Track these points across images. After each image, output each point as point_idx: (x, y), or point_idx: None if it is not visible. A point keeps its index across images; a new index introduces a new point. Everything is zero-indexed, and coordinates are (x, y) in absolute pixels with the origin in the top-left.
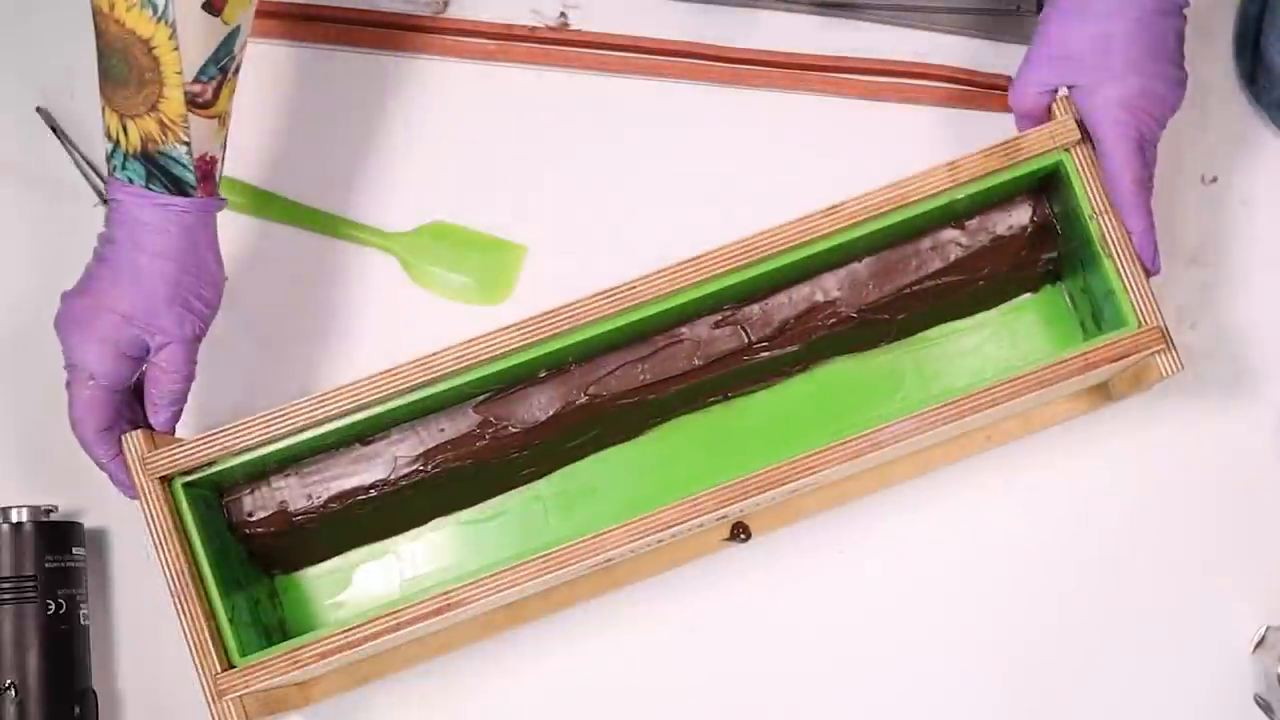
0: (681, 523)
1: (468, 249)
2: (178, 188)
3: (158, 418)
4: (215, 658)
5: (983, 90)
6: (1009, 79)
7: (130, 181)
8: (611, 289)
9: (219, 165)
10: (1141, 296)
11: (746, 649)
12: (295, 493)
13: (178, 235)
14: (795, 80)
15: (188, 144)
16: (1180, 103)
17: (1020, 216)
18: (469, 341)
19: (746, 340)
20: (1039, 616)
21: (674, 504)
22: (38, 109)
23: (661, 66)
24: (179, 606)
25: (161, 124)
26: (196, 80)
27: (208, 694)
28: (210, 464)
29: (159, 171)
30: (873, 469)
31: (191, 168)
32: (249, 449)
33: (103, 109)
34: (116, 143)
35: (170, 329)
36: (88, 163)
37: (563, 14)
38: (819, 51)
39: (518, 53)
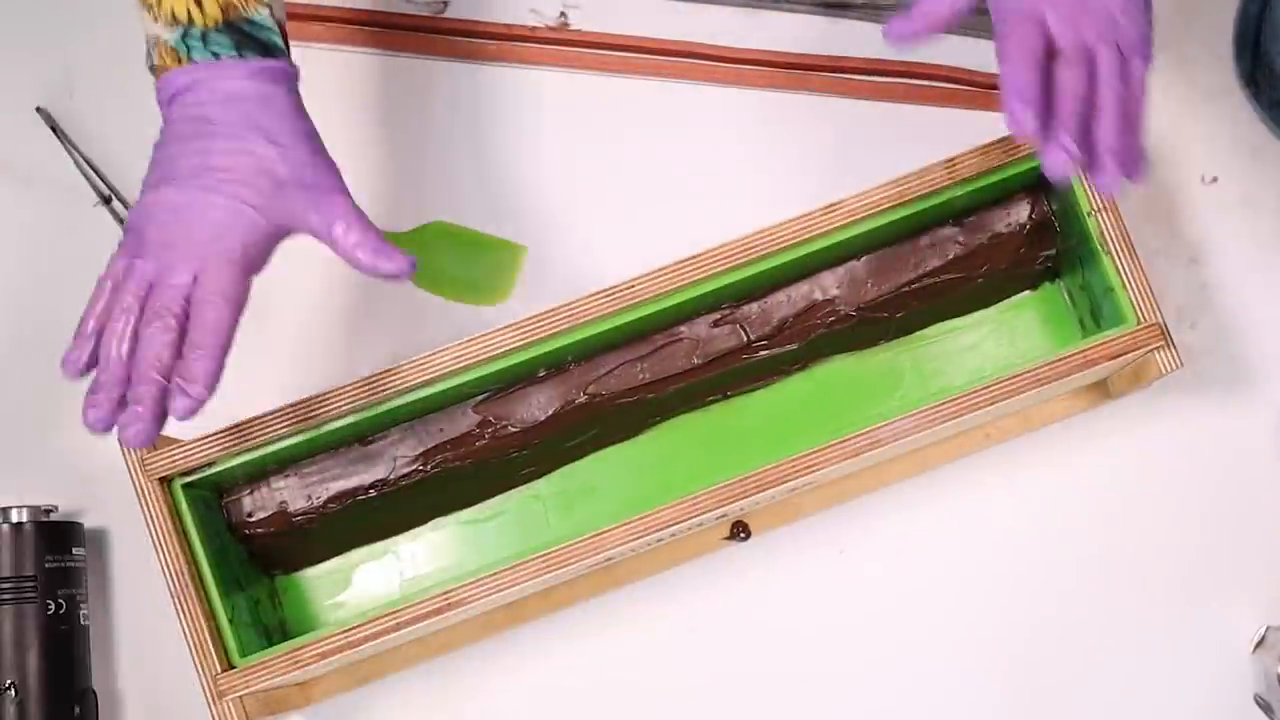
0: (681, 522)
1: (468, 249)
2: (268, 53)
3: (397, 260)
4: (215, 658)
5: (982, 90)
6: None
7: (216, 56)
8: (610, 288)
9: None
10: (1141, 294)
11: (746, 648)
12: (295, 493)
13: (287, 96)
14: (795, 80)
15: (269, 6)
16: (1139, 35)
17: (1019, 214)
18: (468, 341)
19: (745, 339)
20: (1038, 615)
21: (673, 503)
22: (38, 109)
23: (661, 66)
24: (179, 607)
25: None
26: None
27: (208, 694)
28: (210, 464)
29: (247, 39)
30: (872, 467)
31: (277, 30)
32: (249, 449)
33: (149, 4)
34: (188, 23)
35: (331, 183)
36: (88, 162)
37: (563, 14)
38: (819, 51)
39: (518, 53)
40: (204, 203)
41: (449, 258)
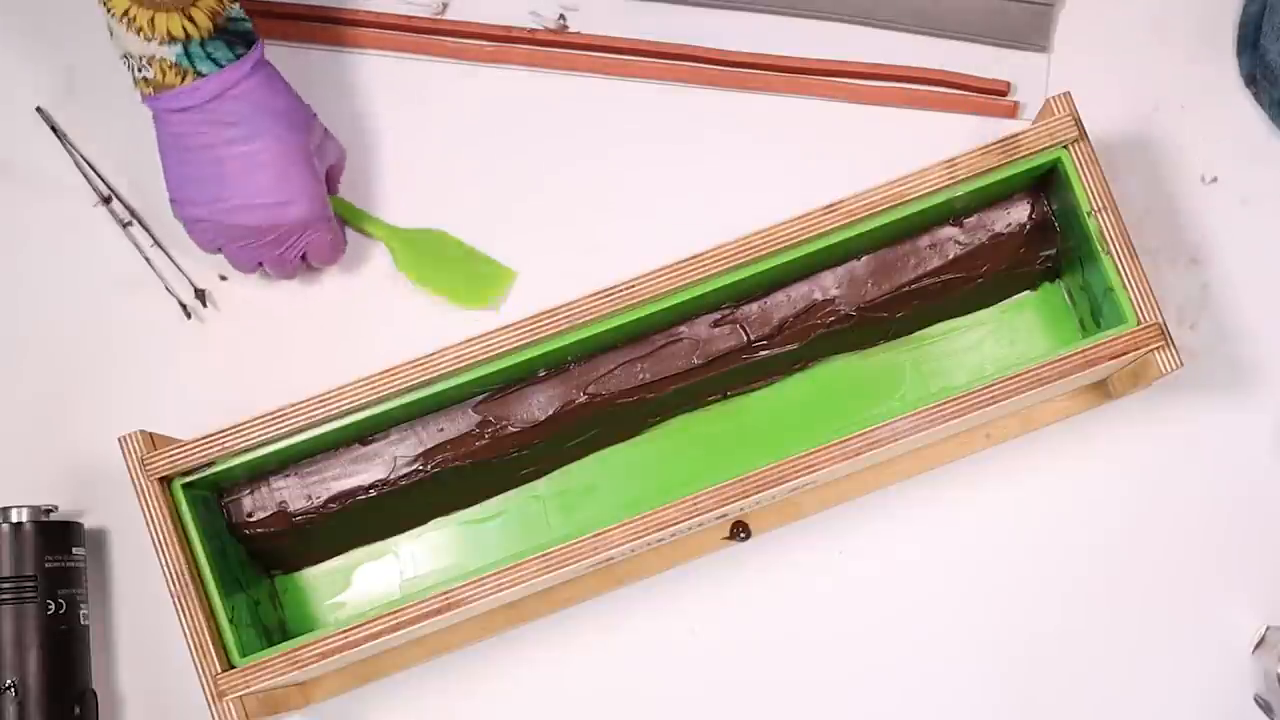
0: (681, 522)
1: (460, 263)
2: (248, 42)
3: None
4: (215, 658)
5: (980, 94)
6: (1008, 84)
7: (219, 65)
8: (610, 288)
9: None
10: (1141, 294)
11: (746, 648)
12: (295, 493)
13: (278, 78)
14: (794, 84)
15: None
16: None
17: (1019, 214)
18: (468, 341)
19: (745, 339)
20: (1038, 615)
21: (674, 503)
22: (38, 109)
23: (660, 69)
24: (179, 607)
25: None
26: None
27: (208, 694)
28: (210, 464)
29: (235, 36)
30: (872, 467)
31: (245, 16)
32: (249, 449)
33: (139, 28)
34: (185, 39)
35: (337, 151)
36: (88, 163)
37: (561, 16)
38: (817, 55)
39: (516, 55)
40: (297, 173)
41: (440, 271)
